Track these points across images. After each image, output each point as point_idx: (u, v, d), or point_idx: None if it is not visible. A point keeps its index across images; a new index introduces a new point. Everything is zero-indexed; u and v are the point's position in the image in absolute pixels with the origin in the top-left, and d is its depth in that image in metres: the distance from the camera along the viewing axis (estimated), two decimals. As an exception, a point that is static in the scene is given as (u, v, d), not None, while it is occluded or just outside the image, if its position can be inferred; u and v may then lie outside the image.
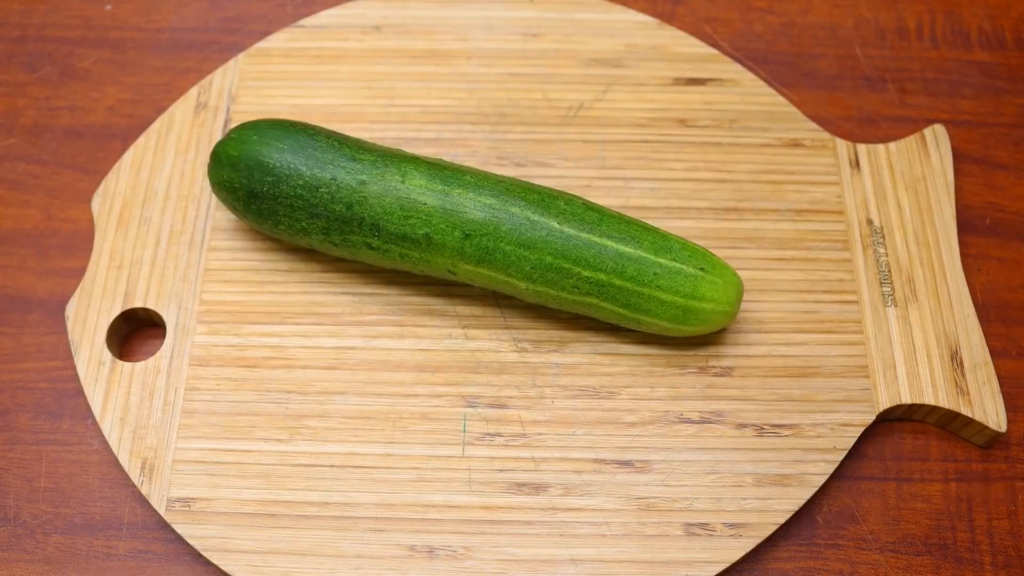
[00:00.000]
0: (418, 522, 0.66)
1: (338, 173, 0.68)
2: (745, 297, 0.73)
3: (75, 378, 0.72)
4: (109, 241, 0.75)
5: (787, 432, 0.68)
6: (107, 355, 0.70)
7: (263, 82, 0.81)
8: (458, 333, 0.72)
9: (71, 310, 0.72)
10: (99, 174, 0.81)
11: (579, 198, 0.69)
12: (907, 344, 0.71)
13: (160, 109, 0.83)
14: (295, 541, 0.65)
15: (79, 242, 0.78)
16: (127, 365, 0.70)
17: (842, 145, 0.79)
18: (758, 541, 0.65)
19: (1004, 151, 0.82)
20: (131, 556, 0.67)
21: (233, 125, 0.79)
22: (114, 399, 0.69)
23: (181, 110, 0.80)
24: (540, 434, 0.68)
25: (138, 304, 0.72)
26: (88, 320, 0.72)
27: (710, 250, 0.73)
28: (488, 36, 0.83)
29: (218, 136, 0.78)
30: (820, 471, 0.67)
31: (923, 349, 0.71)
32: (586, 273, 0.66)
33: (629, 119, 0.80)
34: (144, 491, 0.66)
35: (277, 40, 0.83)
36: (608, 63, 0.82)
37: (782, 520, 0.66)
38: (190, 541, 0.65)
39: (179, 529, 0.65)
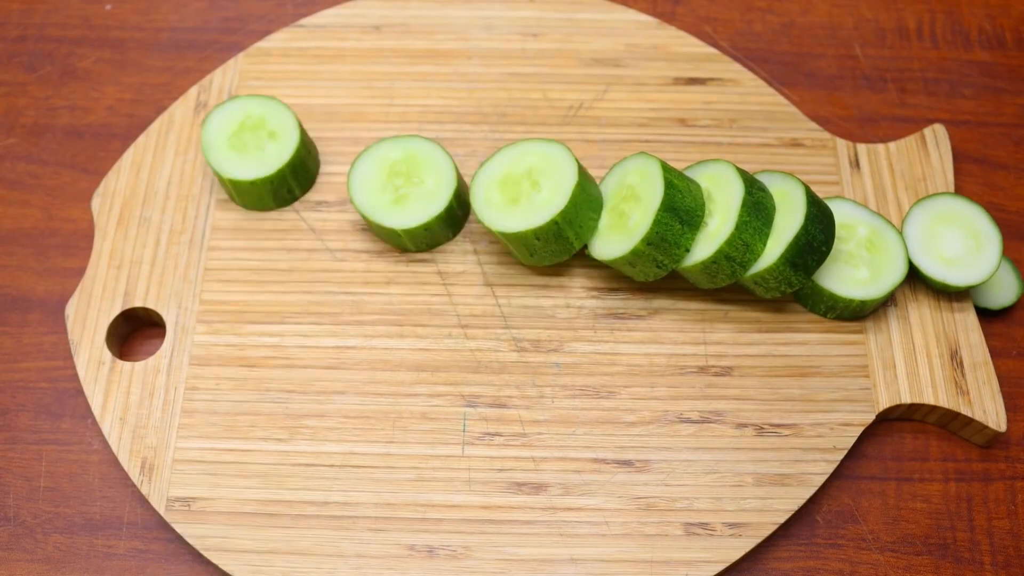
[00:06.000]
0: (418, 522, 0.66)
1: None
2: (745, 297, 0.73)
3: (75, 378, 0.72)
4: (109, 241, 0.75)
5: (787, 432, 0.68)
6: (107, 355, 0.70)
7: (263, 82, 0.81)
8: (458, 333, 0.72)
9: (71, 310, 0.72)
10: (99, 174, 0.81)
11: None
12: (907, 344, 0.71)
13: (160, 109, 0.83)
14: (295, 541, 0.65)
15: (79, 242, 0.78)
16: (127, 365, 0.70)
17: (842, 145, 0.79)
18: (758, 541, 0.65)
19: (1004, 151, 0.82)
20: (131, 556, 0.67)
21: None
22: (114, 399, 0.69)
23: (181, 110, 0.80)
24: (540, 434, 0.68)
25: (138, 304, 0.72)
26: (88, 320, 0.72)
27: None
28: (488, 36, 0.83)
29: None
30: (820, 471, 0.67)
31: (923, 349, 0.71)
32: None
33: (629, 119, 0.80)
34: (144, 491, 0.66)
35: (277, 40, 0.84)
36: (608, 63, 0.82)
37: (782, 520, 0.66)
38: (190, 541, 0.65)
39: (179, 529, 0.65)
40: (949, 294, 0.72)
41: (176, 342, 0.71)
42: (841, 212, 0.72)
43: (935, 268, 0.71)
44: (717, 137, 0.79)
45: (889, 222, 0.71)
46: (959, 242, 0.71)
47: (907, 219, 0.72)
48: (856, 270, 0.70)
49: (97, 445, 0.71)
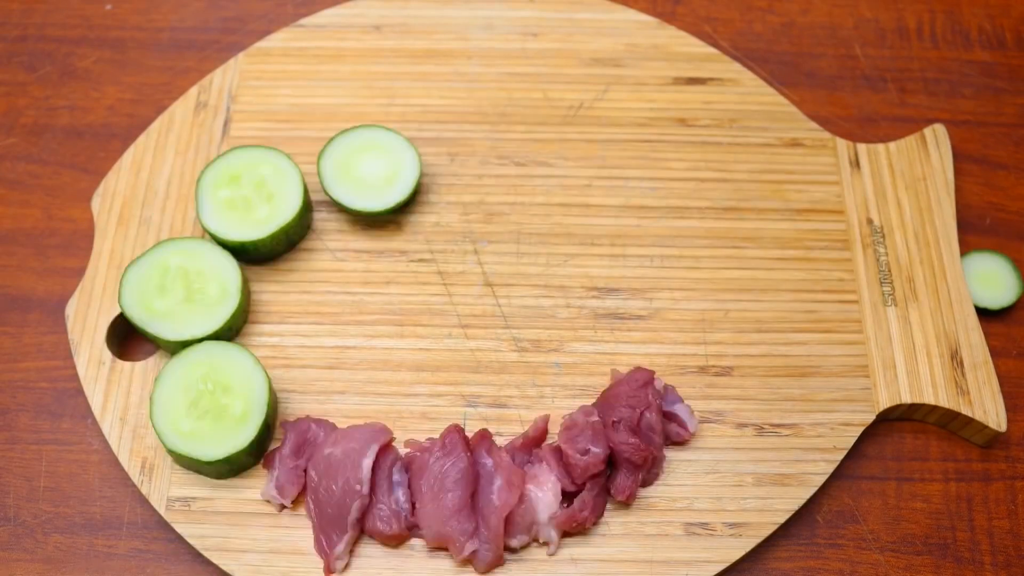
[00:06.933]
0: (418, 522, 0.66)
1: None
2: (745, 297, 0.73)
3: (75, 378, 0.72)
4: (109, 241, 0.74)
5: (787, 432, 0.68)
6: (107, 354, 0.70)
7: (263, 81, 0.81)
8: (458, 333, 0.72)
9: (71, 310, 0.72)
10: (99, 174, 0.81)
11: None
12: (907, 343, 0.71)
13: (160, 109, 0.83)
14: (295, 541, 0.65)
15: (79, 242, 0.78)
16: (127, 364, 0.70)
17: (842, 145, 0.79)
18: (758, 541, 0.65)
19: (1004, 151, 0.82)
20: (131, 556, 0.67)
21: (233, 124, 0.79)
22: (114, 398, 0.69)
23: (181, 109, 0.80)
24: (540, 434, 0.68)
25: (138, 304, 0.72)
26: (88, 320, 0.71)
27: (709, 248, 0.74)
28: (488, 36, 0.83)
29: (218, 135, 0.78)
30: (820, 471, 0.67)
31: (923, 348, 0.71)
32: None
33: (629, 119, 0.80)
34: (144, 490, 0.66)
35: (277, 40, 0.83)
36: (608, 63, 0.82)
37: (782, 520, 0.66)
38: (190, 540, 0.65)
39: (179, 528, 0.65)
40: (949, 294, 0.72)
41: (176, 342, 0.71)
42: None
43: (358, 199, 0.73)
44: (717, 137, 0.79)
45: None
46: (380, 164, 0.74)
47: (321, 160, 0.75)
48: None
49: (97, 445, 0.71)
